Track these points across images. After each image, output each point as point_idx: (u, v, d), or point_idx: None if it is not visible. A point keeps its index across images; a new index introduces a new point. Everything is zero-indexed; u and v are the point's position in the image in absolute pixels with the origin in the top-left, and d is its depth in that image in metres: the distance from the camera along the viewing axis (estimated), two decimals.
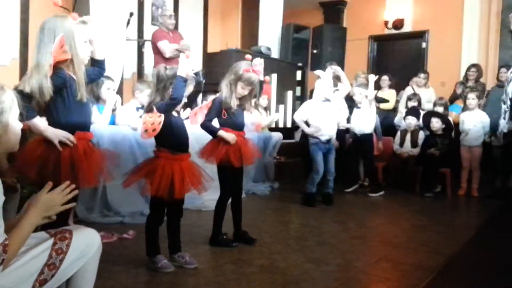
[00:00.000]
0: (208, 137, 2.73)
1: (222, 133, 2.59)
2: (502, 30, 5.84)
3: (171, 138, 2.19)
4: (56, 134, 1.81)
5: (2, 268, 1.17)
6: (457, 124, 4.98)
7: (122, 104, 3.62)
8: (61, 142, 1.81)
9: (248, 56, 2.69)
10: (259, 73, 2.63)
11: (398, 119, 5.50)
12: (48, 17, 1.89)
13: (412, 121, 5.02)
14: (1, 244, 1.14)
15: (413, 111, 5.16)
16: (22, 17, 4.83)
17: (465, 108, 4.99)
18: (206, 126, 2.64)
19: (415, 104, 5.28)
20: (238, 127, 2.66)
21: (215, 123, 2.68)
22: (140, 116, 2.27)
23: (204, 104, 2.77)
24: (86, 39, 1.88)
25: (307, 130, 4.04)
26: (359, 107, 4.60)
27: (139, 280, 2.12)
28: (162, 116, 2.14)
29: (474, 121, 4.75)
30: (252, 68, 2.59)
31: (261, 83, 2.80)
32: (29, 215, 1.24)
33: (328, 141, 4.02)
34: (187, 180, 2.20)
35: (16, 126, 1.28)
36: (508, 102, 3.86)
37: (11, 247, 1.17)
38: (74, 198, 1.86)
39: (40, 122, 1.82)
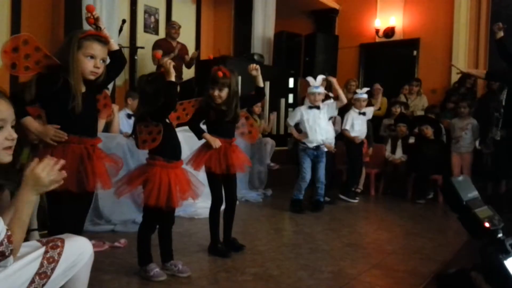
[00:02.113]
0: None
1: (206, 135, 2.56)
2: (491, 38, 5.94)
3: (165, 146, 2.16)
4: (47, 133, 1.80)
5: (13, 258, 1.18)
6: (449, 131, 5.03)
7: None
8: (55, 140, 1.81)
9: (220, 73, 2.56)
10: (224, 71, 2.53)
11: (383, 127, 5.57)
12: None
13: (403, 127, 5.07)
14: (5, 236, 1.13)
15: (403, 118, 5.21)
16: (13, 20, 4.79)
17: (456, 115, 5.06)
18: (192, 126, 2.61)
19: (398, 110, 5.33)
20: (225, 134, 2.61)
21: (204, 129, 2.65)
22: (135, 128, 2.21)
23: (184, 102, 2.66)
24: (90, 55, 1.83)
25: (296, 135, 4.07)
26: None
27: None
28: (161, 125, 2.12)
29: (464, 128, 4.81)
30: (220, 67, 2.55)
31: (261, 90, 2.70)
32: (20, 197, 1.22)
33: (317, 148, 4.02)
34: (184, 187, 2.19)
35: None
36: (502, 110, 3.91)
37: (15, 236, 1.16)
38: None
39: (29, 122, 1.81)
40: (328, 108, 4.11)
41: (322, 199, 4.11)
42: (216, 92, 2.51)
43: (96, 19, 1.93)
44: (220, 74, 2.51)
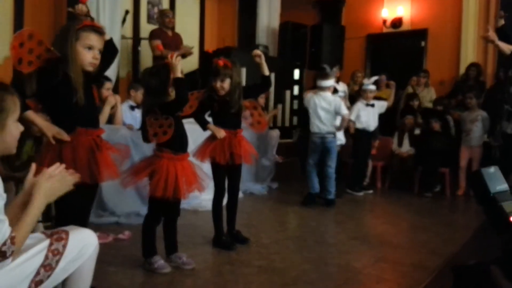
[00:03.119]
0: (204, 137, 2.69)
1: (210, 126, 2.57)
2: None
3: (173, 138, 2.15)
4: (50, 129, 1.81)
5: (12, 259, 1.19)
6: (459, 123, 4.96)
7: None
8: (55, 138, 1.81)
9: (220, 62, 2.57)
10: (225, 61, 2.52)
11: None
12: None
13: (410, 119, 5.02)
14: (8, 237, 1.16)
15: (410, 110, 5.15)
16: (16, 14, 4.78)
17: (465, 108, 4.98)
18: (197, 118, 2.61)
19: (416, 103, 5.28)
20: (229, 126, 2.60)
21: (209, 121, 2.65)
22: (144, 121, 2.21)
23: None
24: (88, 46, 1.82)
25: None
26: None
27: (135, 281, 2.10)
28: (171, 118, 2.11)
29: (474, 120, 4.75)
30: (221, 58, 2.53)
31: (266, 78, 2.64)
32: (33, 204, 1.25)
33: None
34: (190, 180, 2.18)
35: (14, 128, 1.27)
36: None
37: (19, 238, 1.18)
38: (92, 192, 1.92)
39: (34, 115, 1.82)
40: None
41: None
42: (219, 84, 2.50)
43: (88, 11, 1.93)
44: (221, 62, 2.50)
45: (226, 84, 2.51)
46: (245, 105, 2.67)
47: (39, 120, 1.83)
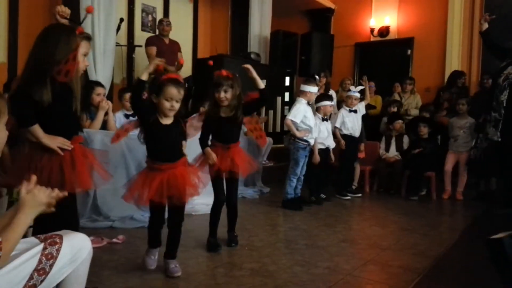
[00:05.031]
0: None
1: (207, 151, 2.60)
2: None
3: (150, 147, 2.20)
4: (53, 141, 1.82)
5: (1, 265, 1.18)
6: (445, 129, 5.06)
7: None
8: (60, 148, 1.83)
9: (211, 61, 2.69)
10: (227, 72, 2.57)
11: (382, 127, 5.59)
12: (54, 23, 1.88)
13: (400, 124, 5.12)
14: None
15: (397, 116, 5.26)
16: (11, 20, 4.80)
17: (453, 114, 5.09)
18: (200, 140, 2.66)
19: (395, 110, 5.39)
20: (225, 139, 2.64)
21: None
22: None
23: (196, 115, 2.78)
24: (85, 53, 1.87)
25: (297, 133, 4.00)
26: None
27: (129, 285, 2.12)
28: (129, 121, 2.18)
29: (463, 127, 4.86)
30: (223, 70, 2.58)
31: (262, 91, 2.61)
32: (18, 216, 1.23)
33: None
34: (162, 190, 2.13)
35: (3, 132, 1.28)
36: (502, 111, 3.81)
37: (5, 245, 1.17)
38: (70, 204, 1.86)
39: (39, 130, 1.82)
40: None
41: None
42: (222, 94, 2.53)
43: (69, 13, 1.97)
44: (224, 72, 2.55)
45: (229, 94, 2.53)
46: (245, 121, 2.73)
47: (42, 135, 1.82)
